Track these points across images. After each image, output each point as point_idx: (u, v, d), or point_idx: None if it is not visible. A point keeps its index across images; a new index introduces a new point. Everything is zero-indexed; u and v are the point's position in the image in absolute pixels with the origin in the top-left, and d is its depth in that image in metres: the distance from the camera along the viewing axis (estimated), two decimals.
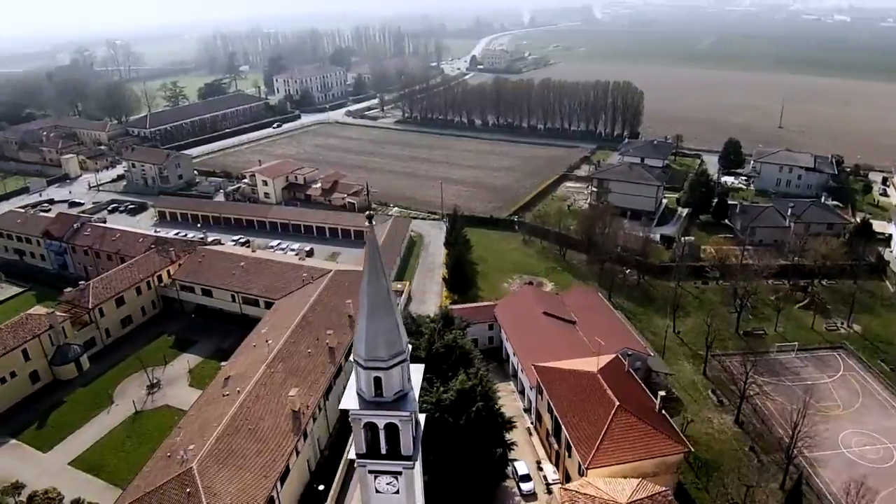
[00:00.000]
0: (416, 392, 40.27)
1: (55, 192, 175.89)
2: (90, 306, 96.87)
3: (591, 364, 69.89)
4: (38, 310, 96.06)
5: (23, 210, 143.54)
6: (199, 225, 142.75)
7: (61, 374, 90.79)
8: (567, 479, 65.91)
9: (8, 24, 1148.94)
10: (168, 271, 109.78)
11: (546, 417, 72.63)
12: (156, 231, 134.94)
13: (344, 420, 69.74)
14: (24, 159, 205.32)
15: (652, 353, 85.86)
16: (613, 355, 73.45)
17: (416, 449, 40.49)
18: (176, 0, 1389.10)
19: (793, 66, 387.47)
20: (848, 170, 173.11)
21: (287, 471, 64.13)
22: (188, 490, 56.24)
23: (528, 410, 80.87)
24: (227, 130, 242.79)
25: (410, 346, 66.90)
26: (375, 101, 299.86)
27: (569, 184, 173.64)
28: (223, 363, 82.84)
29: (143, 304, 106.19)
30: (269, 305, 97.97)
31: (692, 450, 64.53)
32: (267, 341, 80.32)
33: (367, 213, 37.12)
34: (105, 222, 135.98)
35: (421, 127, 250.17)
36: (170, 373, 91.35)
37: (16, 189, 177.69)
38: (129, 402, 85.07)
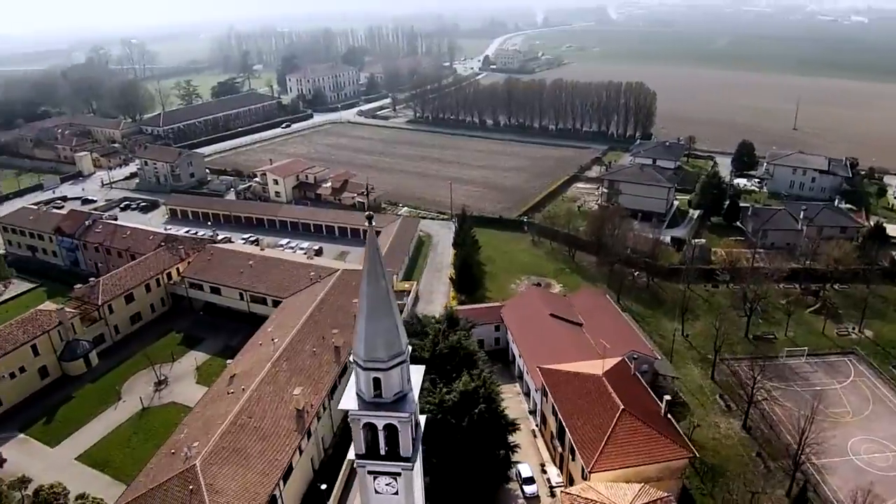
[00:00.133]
0: (416, 393, 40.07)
1: (69, 190, 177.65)
2: (100, 303, 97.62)
3: (597, 367, 69.45)
4: (49, 305, 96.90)
5: (36, 207, 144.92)
6: (209, 223, 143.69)
7: (70, 369, 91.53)
8: (571, 482, 65.52)
9: (26, 22, 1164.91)
10: (177, 269, 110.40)
11: (551, 420, 72.25)
12: (166, 229, 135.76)
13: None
14: (39, 156, 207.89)
15: (659, 357, 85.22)
16: (619, 358, 73.00)
17: (416, 450, 40.31)
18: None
19: (808, 67, 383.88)
20: (863, 173, 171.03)
21: (290, 469, 64.26)
22: (191, 487, 56.48)
23: (533, 412, 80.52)
24: (240, 129, 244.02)
25: (414, 347, 67.42)
26: (387, 100, 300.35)
27: (579, 185, 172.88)
28: (229, 361, 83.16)
29: (152, 302, 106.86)
30: (276, 304, 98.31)
31: (697, 455, 63.99)
32: (273, 340, 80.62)
33: (367, 213, 37.04)
34: (116, 219, 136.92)
35: (432, 127, 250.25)
36: (177, 370, 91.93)
37: (30, 186, 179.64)
38: (136, 398, 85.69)
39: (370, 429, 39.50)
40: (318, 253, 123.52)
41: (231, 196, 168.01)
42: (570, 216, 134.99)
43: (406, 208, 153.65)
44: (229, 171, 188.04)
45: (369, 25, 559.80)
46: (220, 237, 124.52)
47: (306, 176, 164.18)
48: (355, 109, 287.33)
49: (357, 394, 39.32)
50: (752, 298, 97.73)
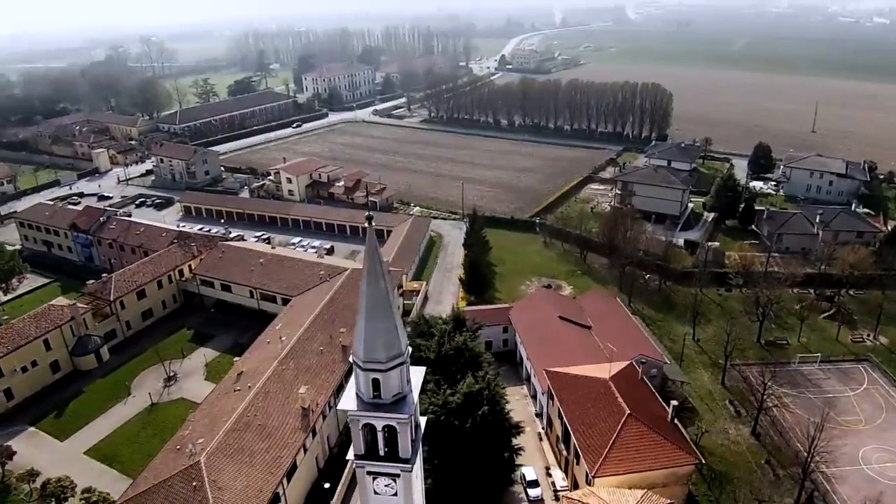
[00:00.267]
0: (416, 395, 39.90)
1: (85, 186, 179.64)
2: (112, 298, 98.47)
3: (604, 370, 68.90)
4: (61, 301, 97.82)
5: (52, 203, 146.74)
6: (222, 221, 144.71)
7: (81, 364, 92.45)
8: (575, 486, 65.05)
9: (48, 19, 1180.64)
10: (189, 266, 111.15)
11: (556, 423, 71.78)
12: (179, 226, 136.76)
13: None
14: (57, 153, 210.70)
15: (668, 361, 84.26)
16: (627, 362, 72.36)
17: (415, 452, 40.17)
18: None
19: (828, 69, 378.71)
20: (881, 177, 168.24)
21: (294, 467, 64.37)
22: (195, 484, 56.70)
23: (539, 415, 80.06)
24: (255, 128, 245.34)
25: (420, 348, 67.34)
26: (403, 100, 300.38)
27: (593, 186, 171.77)
28: (236, 358, 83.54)
29: (163, 298, 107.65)
30: (286, 302, 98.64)
31: (703, 461, 63.17)
32: (280, 338, 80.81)
33: (367, 214, 36.91)
34: (130, 216, 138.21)
35: (447, 126, 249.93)
36: (187, 366, 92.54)
37: (47, 182, 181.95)
38: (145, 394, 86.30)
39: (369, 429, 39.44)
40: (330, 252, 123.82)
41: (245, 194, 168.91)
42: (582, 217, 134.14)
43: (418, 208, 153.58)
44: (244, 170, 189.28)
45: (386, 25, 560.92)
46: (232, 235, 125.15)
47: (319, 175, 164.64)
48: (370, 109, 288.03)
49: (356, 394, 39.32)
50: (765, 303, 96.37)
